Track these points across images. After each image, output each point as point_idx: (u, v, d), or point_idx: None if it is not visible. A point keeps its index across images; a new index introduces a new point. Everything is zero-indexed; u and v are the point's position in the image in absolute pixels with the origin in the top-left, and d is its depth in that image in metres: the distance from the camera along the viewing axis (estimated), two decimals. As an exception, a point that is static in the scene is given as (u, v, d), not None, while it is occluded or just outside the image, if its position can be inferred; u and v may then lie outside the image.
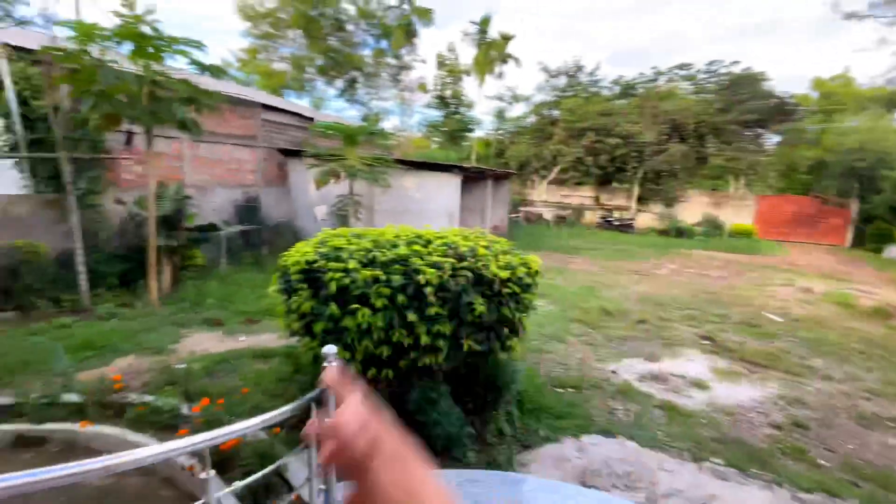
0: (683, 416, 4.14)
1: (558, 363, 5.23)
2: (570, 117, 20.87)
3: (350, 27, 25.97)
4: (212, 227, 7.42)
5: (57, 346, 3.64)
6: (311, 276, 3.09)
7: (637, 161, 20.44)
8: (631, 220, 21.13)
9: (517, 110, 28.99)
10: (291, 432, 3.24)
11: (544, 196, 23.13)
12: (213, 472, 1.37)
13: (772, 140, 23.20)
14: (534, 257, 3.56)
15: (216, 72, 5.81)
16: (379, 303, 2.84)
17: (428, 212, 10.20)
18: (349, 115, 30.97)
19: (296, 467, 2.83)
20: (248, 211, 10.15)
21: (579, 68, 23.45)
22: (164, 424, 3.17)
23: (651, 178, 21.05)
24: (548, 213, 22.50)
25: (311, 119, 12.77)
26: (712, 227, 20.58)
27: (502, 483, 2.85)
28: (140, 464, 1.35)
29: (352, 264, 2.96)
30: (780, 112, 20.65)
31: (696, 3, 53.65)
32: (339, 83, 28.29)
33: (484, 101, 43.94)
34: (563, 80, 23.67)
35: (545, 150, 21.64)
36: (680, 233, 19.85)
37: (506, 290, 3.13)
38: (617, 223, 20.81)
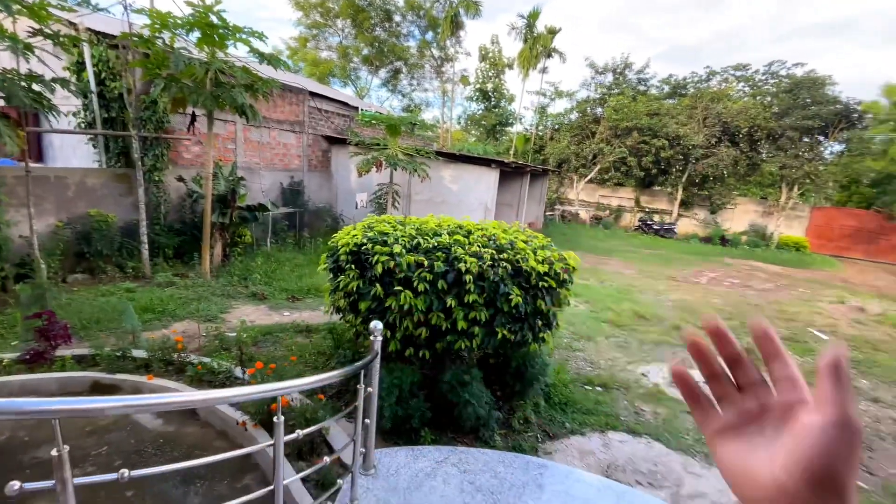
0: (713, 423, 4.12)
1: (588, 361, 5.26)
2: (614, 116, 20.32)
3: (397, 18, 26.24)
4: (262, 208, 7.83)
5: (128, 307, 4.02)
6: (359, 257, 3.29)
7: (683, 164, 19.73)
8: (672, 224, 20.48)
9: (559, 106, 28.51)
10: (332, 400, 3.48)
11: (582, 195, 22.75)
12: (282, 418, 1.57)
13: (833, 149, 21.79)
14: (571, 254, 3.62)
15: (274, 61, 6.12)
16: (421, 287, 3.01)
17: (465, 204, 10.32)
18: (392, 104, 31.43)
19: (336, 432, 3.06)
20: (292, 194, 10.61)
21: (628, 65, 22.76)
22: (220, 384, 3.48)
23: (697, 183, 20.28)
24: (584, 213, 22.13)
25: (356, 108, 13.10)
26: (759, 237, 19.68)
27: (527, 466, 2.98)
28: (223, 402, 1.57)
29: (397, 249, 3.14)
30: (844, 119, 19.33)
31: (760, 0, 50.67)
32: (383, 73, 28.70)
33: (526, 96, 43.51)
34: (609, 78, 23.05)
35: (586, 149, 21.22)
36: (724, 241, 19.09)
37: (542, 284, 3.23)
38: (657, 227, 20.23)
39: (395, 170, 8.55)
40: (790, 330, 7.53)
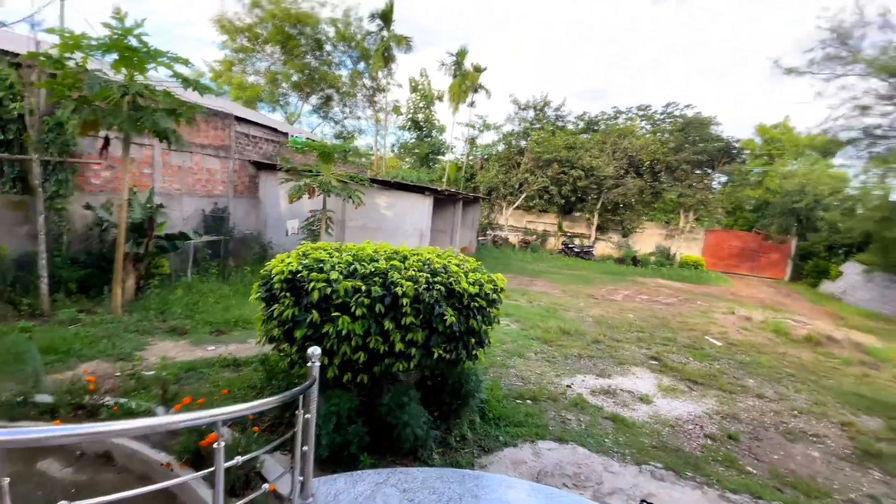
0: (629, 426, 4.55)
1: (519, 377, 5.56)
2: (537, 148, 21.97)
3: (328, 47, 26.43)
4: (182, 237, 7.39)
5: (30, 347, 3.63)
6: (295, 285, 3.32)
7: (597, 193, 21.66)
8: (590, 247, 22.22)
9: (488, 138, 30.08)
10: (266, 434, 3.39)
11: (511, 221, 23.98)
12: (223, 442, 1.60)
13: (719, 180, 25.22)
14: (499, 275, 3.93)
15: (201, 88, 5.98)
16: (359, 311, 3.11)
17: (400, 230, 10.50)
18: (323, 131, 31.17)
19: (271, 465, 3.00)
20: (216, 221, 10.11)
21: (547, 103, 24.82)
22: (140, 425, 3.24)
23: (610, 209, 22.30)
24: (513, 238, 23.31)
25: (285, 134, 12.92)
26: (664, 258, 21.94)
27: (463, 479, 3.12)
28: (147, 431, 1.56)
29: (334, 275, 3.22)
30: (726, 154, 22.51)
31: (660, 47, 57.95)
32: (314, 100, 28.53)
33: (456, 127, 45.36)
34: (531, 113, 24.93)
35: (513, 178, 22.58)
36: (635, 261, 21.04)
37: (474, 304, 3.47)
38: (577, 250, 21.83)
39: (329, 196, 8.54)
40: (691, 338, 8.50)
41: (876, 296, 16.35)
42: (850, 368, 7.67)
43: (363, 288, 3.15)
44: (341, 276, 3.23)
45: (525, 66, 58.46)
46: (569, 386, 5.46)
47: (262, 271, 3.67)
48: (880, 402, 6.07)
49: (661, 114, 25.49)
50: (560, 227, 23.80)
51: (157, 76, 6.67)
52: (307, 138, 13.09)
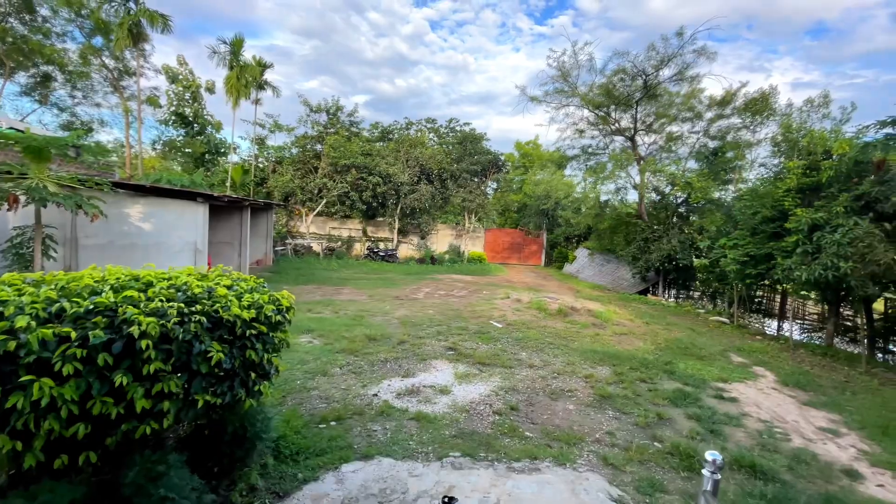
0: (431, 421, 4.65)
1: (322, 397, 5.11)
2: (333, 153, 21.44)
3: (44, 11, 19.94)
4: None
5: None
6: (-57, 345, 2.13)
7: (396, 198, 22.56)
8: (394, 250, 23.00)
9: (279, 139, 27.89)
10: None
11: (313, 228, 22.82)
12: None
13: (492, 186, 29.67)
14: (285, 293, 3.43)
15: None
16: (68, 369, 2.19)
17: (165, 246, 8.53)
18: (42, 119, 23.56)
19: None
20: None
21: (339, 108, 24.47)
22: None
23: (408, 214, 23.53)
24: (317, 246, 22.24)
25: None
26: (456, 255, 24.45)
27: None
28: None
29: (22, 321, 2.20)
30: (494, 165, 26.52)
31: (437, 70, 64.40)
32: (23, 78, 21.26)
33: (241, 125, 40.69)
34: (324, 117, 24.18)
35: (311, 183, 21.49)
36: (433, 260, 22.78)
37: (251, 332, 2.91)
38: (382, 254, 22.30)
39: (45, 207, 6.23)
40: (479, 325, 9.49)
41: (597, 272, 21.75)
42: (587, 331, 9.81)
43: (73, 335, 2.24)
44: (35, 323, 2.23)
45: (312, 67, 57.03)
46: (375, 395, 5.30)
47: None
48: (607, 354, 7.89)
49: (446, 128, 28.35)
50: (365, 233, 23.88)
51: None
52: (10, 128, 9.46)
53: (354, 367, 6.29)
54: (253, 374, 2.99)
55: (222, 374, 2.73)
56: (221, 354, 2.63)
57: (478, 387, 5.85)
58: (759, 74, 45.47)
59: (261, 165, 24.09)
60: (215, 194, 9.85)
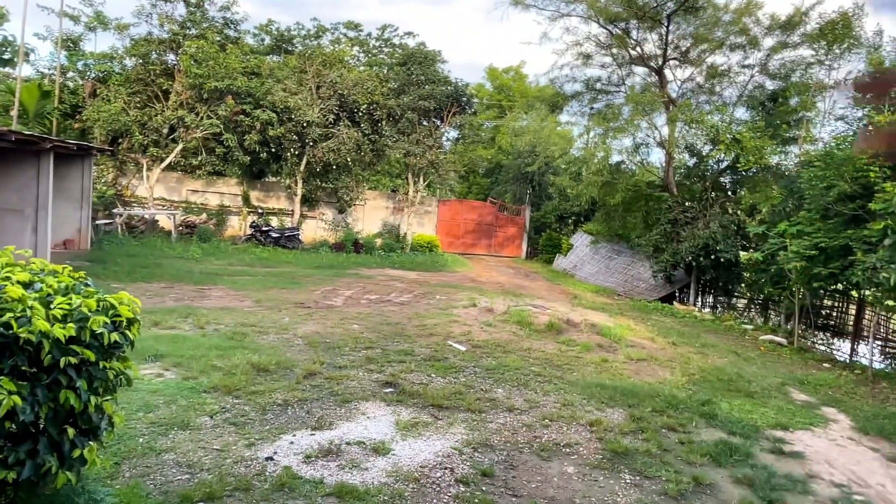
0: (360, 499, 4.61)
1: (182, 464, 4.95)
2: (195, 69, 20.47)
3: None
4: None
5: None
6: None
7: (299, 147, 22.07)
8: (296, 230, 22.61)
9: (105, 42, 26.33)
10: None
11: (160, 190, 21.99)
12: None
13: (450, 135, 29.70)
14: (125, 296, 3.34)
15: None
16: None
17: None
18: None
19: None
20: None
21: (207, -4, 23.40)
22: None
23: (319, 173, 23.10)
24: (166, 220, 21.50)
25: None
26: (394, 239, 24.47)
27: None
28: None
29: None
30: (456, 103, 26.55)
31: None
32: None
33: (39, 16, 37.87)
34: (181, 9, 22.94)
35: (158, 117, 20.55)
36: (357, 247, 22.65)
37: (70, 360, 2.78)
38: (277, 235, 21.88)
39: None
40: (431, 347, 9.58)
41: (602, 268, 22.61)
42: (590, 355, 10.19)
43: None
44: None
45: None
46: (270, 458, 5.21)
47: None
48: (619, 390, 8.22)
49: (377, 39, 27.97)
50: (247, 200, 23.27)
51: None
52: None
53: (235, 414, 6.16)
54: (71, 431, 2.84)
55: (18, 431, 2.54)
56: (17, 398, 2.45)
57: (431, 442, 5.90)
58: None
59: (71, 85, 22.74)
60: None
